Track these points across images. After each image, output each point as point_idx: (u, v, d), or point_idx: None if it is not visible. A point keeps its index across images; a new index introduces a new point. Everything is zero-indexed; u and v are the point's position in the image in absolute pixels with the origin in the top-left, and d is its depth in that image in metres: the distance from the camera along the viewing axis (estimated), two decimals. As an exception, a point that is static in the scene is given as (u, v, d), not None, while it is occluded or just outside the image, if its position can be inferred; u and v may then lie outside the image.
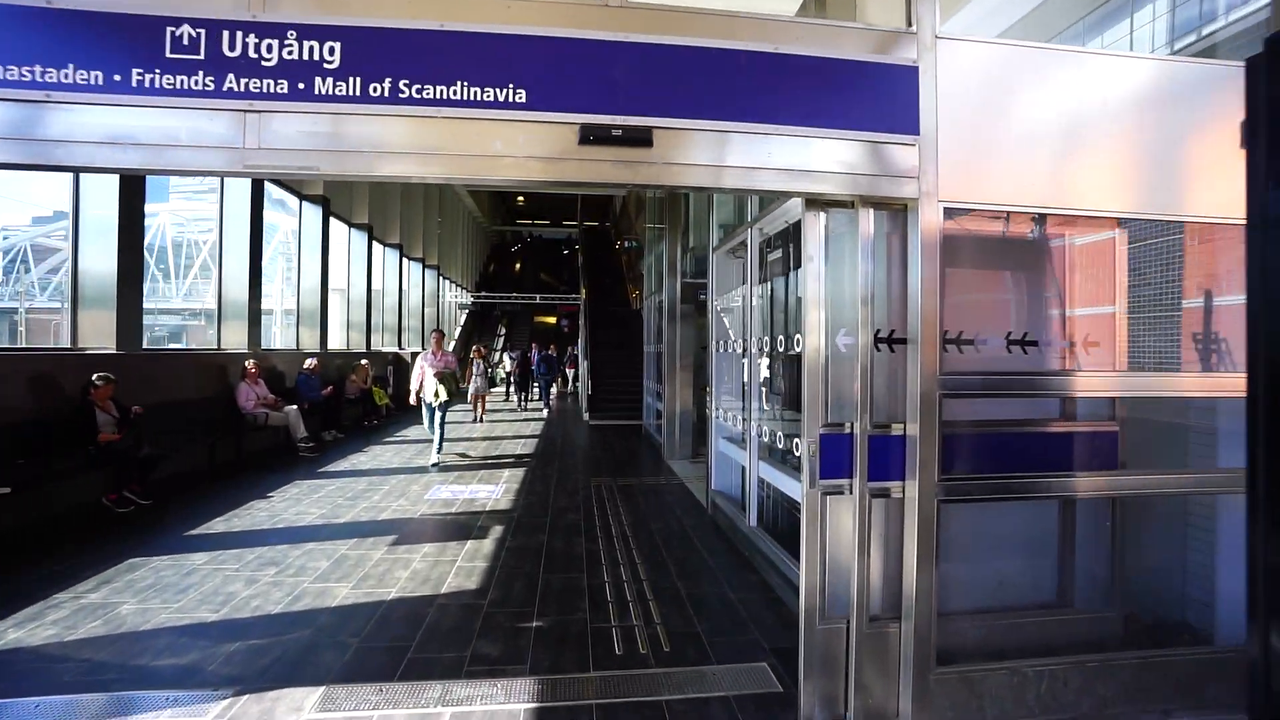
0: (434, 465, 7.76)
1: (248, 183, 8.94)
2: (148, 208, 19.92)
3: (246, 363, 8.29)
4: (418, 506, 5.91)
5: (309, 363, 9.98)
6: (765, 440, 4.66)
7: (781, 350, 4.48)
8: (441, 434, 8.02)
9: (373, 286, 15.53)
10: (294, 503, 5.93)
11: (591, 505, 6.08)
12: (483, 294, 28.37)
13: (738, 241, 5.37)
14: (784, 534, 4.56)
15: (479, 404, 12.66)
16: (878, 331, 2.53)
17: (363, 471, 7.55)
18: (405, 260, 19.02)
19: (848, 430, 2.53)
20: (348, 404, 11.49)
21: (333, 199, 12.42)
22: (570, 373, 17.87)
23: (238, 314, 8.92)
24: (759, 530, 4.46)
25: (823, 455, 2.51)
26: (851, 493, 2.51)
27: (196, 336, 31.28)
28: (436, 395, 7.82)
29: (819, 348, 2.56)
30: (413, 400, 8.24)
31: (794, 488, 3.93)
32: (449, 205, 25.18)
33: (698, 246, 9.25)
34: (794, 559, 3.83)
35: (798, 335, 3.29)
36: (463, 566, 4.27)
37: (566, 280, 34.76)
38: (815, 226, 2.59)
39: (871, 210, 2.51)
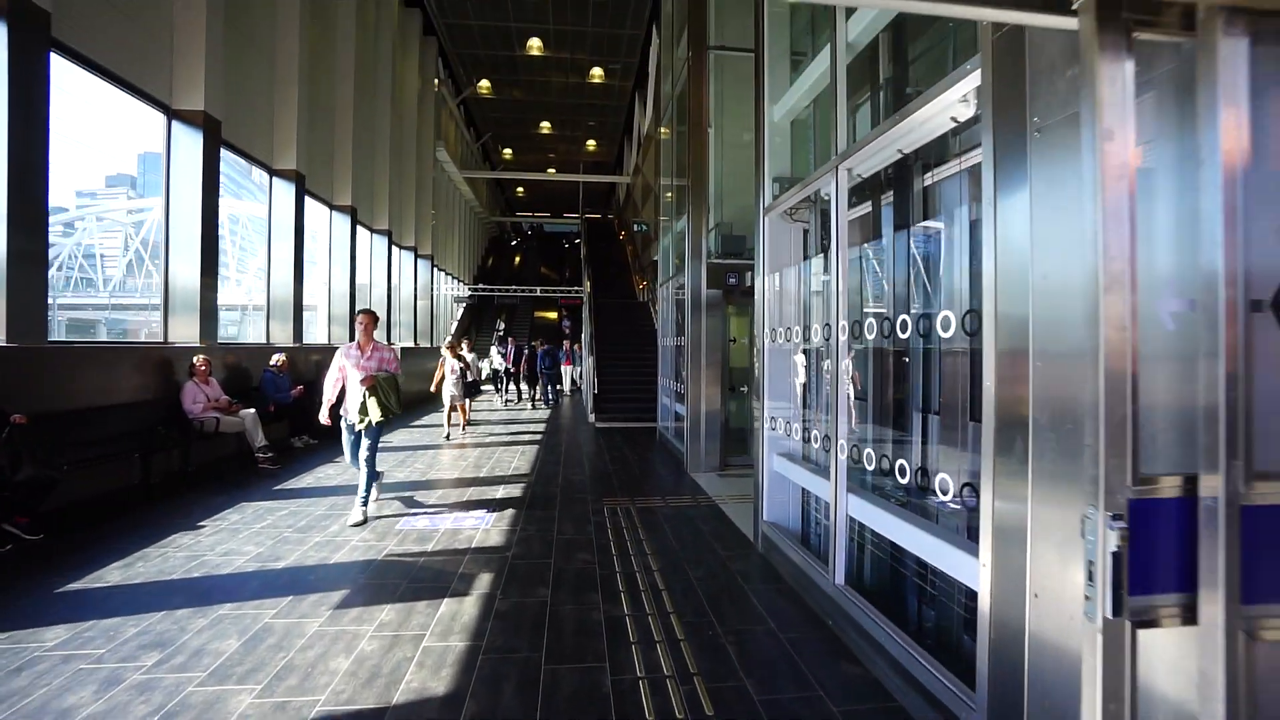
0: (357, 523, 4.97)
1: (198, 156, 7.63)
2: (142, 201, 18.05)
3: (195, 359, 7.00)
4: (384, 541, 4.61)
5: (276, 359, 8.68)
6: (868, 467, 3.36)
7: (892, 337, 3.19)
8: (371, 474, 5.18)
9: (358, 275, 14.23)
10: (228, 536, 4.64)
11: (607, 538, 4.79)
12: (480, 286, 27.03)
13: (802, 196, 4.06)
14: (893, 600, 3.27)
15: (458, 414, 9.95)
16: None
17: (327, 489, 6.25)
18: (397, 249, 17.73)
19: (1185, 493, 1.23)
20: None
21: (310, 176, 11.11)
22: (571, 370, 16.51)
23: (188, 304, 7.61)
24: (852, 594, 3.17)
25: (1134, 544, 1.20)
26: (1197, 621, 1.21)
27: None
28: (363, 413, 5.06)
29: (1124, 319, 1.24)
30: (323, 418, 5.44)
31: (928, 546, 2.63)
32: (444, 191, 23.86)
33: (725, 222, 7.96)
34: (925, 651, 2.53)
35: (956, 314, 2.00)
36: (431, 649, 2.97)
37: (568, 274, 33.51)
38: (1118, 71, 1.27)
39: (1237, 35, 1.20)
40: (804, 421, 4.38)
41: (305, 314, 14.19)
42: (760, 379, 4.62)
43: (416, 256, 18.91)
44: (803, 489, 4.32)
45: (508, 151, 33.80)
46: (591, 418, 12.08)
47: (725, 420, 7.54)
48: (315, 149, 11.60)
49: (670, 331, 9.44)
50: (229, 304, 17.56)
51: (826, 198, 3.78)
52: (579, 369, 16.91)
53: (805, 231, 4.52)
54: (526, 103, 26.57)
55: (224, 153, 8.52)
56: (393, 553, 4.38)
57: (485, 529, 4.99)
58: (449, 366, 9.61)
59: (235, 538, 4.61)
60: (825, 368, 4.18)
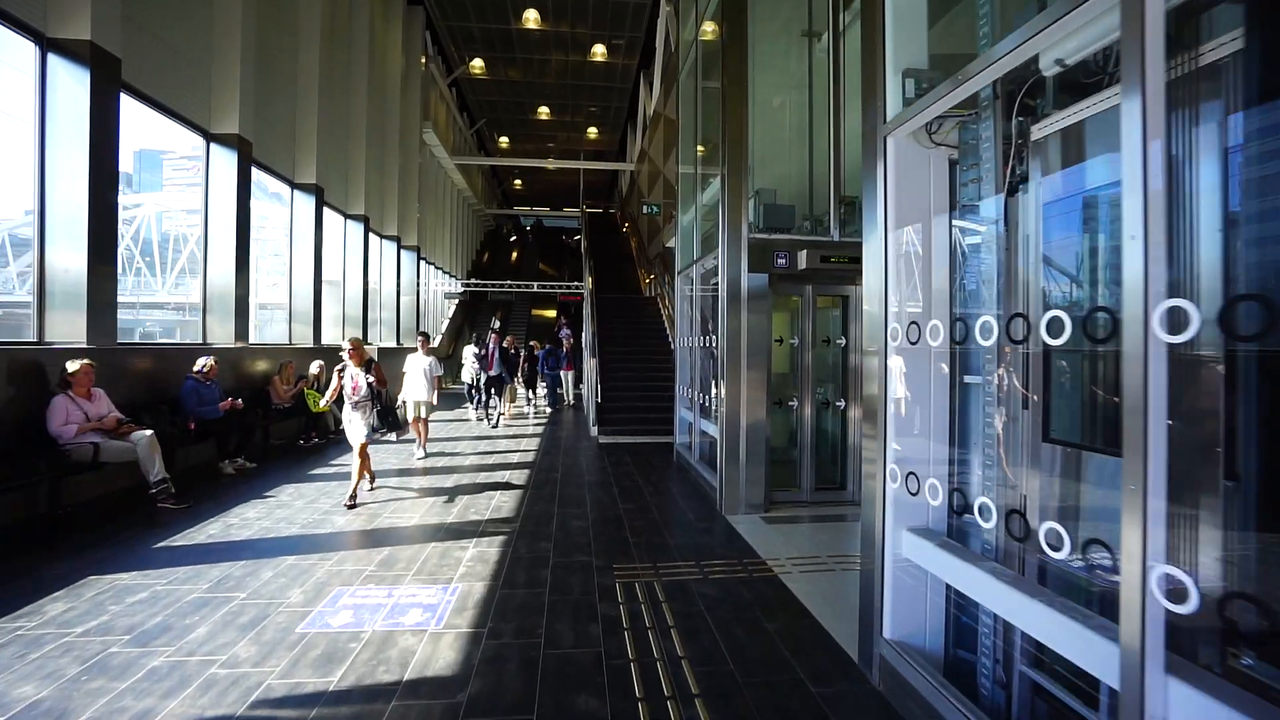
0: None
1: (82, 116, 5.88)
2: (129, 198, 16.26)
3: (68, 365, 5.24)
4: (272, 659, 2.86)
5: (202, 363, 6.93)
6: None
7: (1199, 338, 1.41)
8: None
9: (327, 267, 12.48)
10: (15, 661, 2.88)
11: (623, 651, 3.04)
12: (473, 282, 25.24)
13: (975, 88, 2.31)
14: None
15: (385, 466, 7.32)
16: None
17: (227, 548, 4.48)
18: (376, 238, 15.97)
19: None
20: (280, 416, 8.46)
21: (260, 145, 9.35)
22: (569, 376, 14.63)
23: (71, 297, 5.85)
24: None
25: None
26: None
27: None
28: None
29: None
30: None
31: None
32: (433, 179, 22.10)
33: (766, 189, 6.20)
34: None
35: None
36: None
37: (568, 272, 31.81)
38: None
39: None
40: (957, 476, 2.63)
41: (266, 311, 12.47)
42: (878, 402, 2.86)
43: (400, 248, 17.15)
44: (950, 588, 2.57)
45: (504, 140, 32.03)
46: (594, 431, 10.31)
47: (768, 443, 5.78)
48: (267, 113, 9.84)
49: (692, 329, 7.67)
50: (176, 303, 15.90)
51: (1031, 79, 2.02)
52: (578, 373, 15.15)
53: (952, 162, 2.76)
54: (523, 85, 24.79)
55: (130, 103, 6.79)
56: (276, 688, 2.62)
57: (436, 632, 3.22)
58: (348, 381, 5.68)
59: (26, 662, 2.85)
60: (999, 385, 2.45)
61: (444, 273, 24.15)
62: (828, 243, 5.81)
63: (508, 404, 12.64)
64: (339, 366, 5.78)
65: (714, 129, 7.31)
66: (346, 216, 13.71)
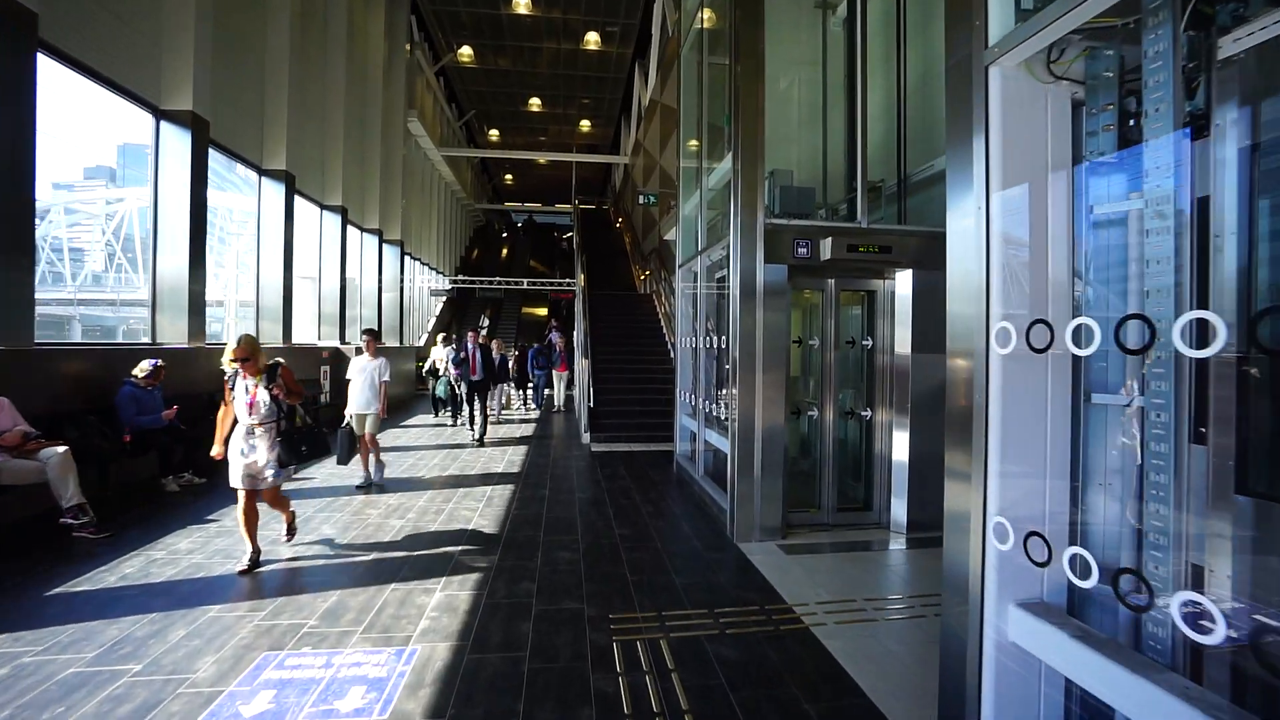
0: None
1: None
2: (110, 193, 15.17)
3: (-35, 368, 4.43)
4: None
5: (144, 366, 6.12)
6: None
7: None
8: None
9: (306, 260, 11.67)
10: None
11: (626, 758, 2.29)
12: (460, 279, 24.38)
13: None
14: None
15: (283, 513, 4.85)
16: None
17: (139, 595, 3.69)
18: (359, 232, 15.15)
19: None
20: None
21: (220, 125, 8.51)
22: (563, 378, 13.69)
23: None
24: None
25: None
26: None
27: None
28: None
29: None
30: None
31: None
32: (420, 172, 21.24)
33: (783, 170, 5.48)
34: None
35: None
36: None
37: (559, 269, 31.09)
38: None
39: None
40: (1093, 534, 1.90)
41: (242, 307, 11.63)
42: (971, 426, 2.11)
43: (382, 242, 16.30)
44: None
45: (494, 133, 31.15)
46: (585, 438, 9.54)
47: (785, 459, 5.04)
48: (231, 91, 9.01)
49: (695, 329, 6.91)
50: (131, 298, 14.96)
51: None
52: (571, 374, 14.37)
53: (1076, 103, 2.02)
54: (514, 74, 23.96)
55: (54, 68, 5.96)
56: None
57: (380, 704, 2.46)
58: (240, 397, 4.03)
59: None
60: (1152, 407, 1.73)
61: (431, 269, 23.29)
62: (855, 229, 5.07)
63: (498, 406, 11.80)
64: (226, 378, 4.07)
65: (720, 108, 6.58)
66: (323, 207, 12.86)
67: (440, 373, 11.60)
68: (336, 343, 12.79)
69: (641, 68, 21.37)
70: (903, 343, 5.18)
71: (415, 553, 4.48)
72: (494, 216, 39.74)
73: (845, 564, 4.42)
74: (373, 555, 4.42)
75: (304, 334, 12.34)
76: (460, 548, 4.63)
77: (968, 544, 2.08)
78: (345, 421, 6.37)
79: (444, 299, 24.01)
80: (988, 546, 2.01)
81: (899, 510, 5.22)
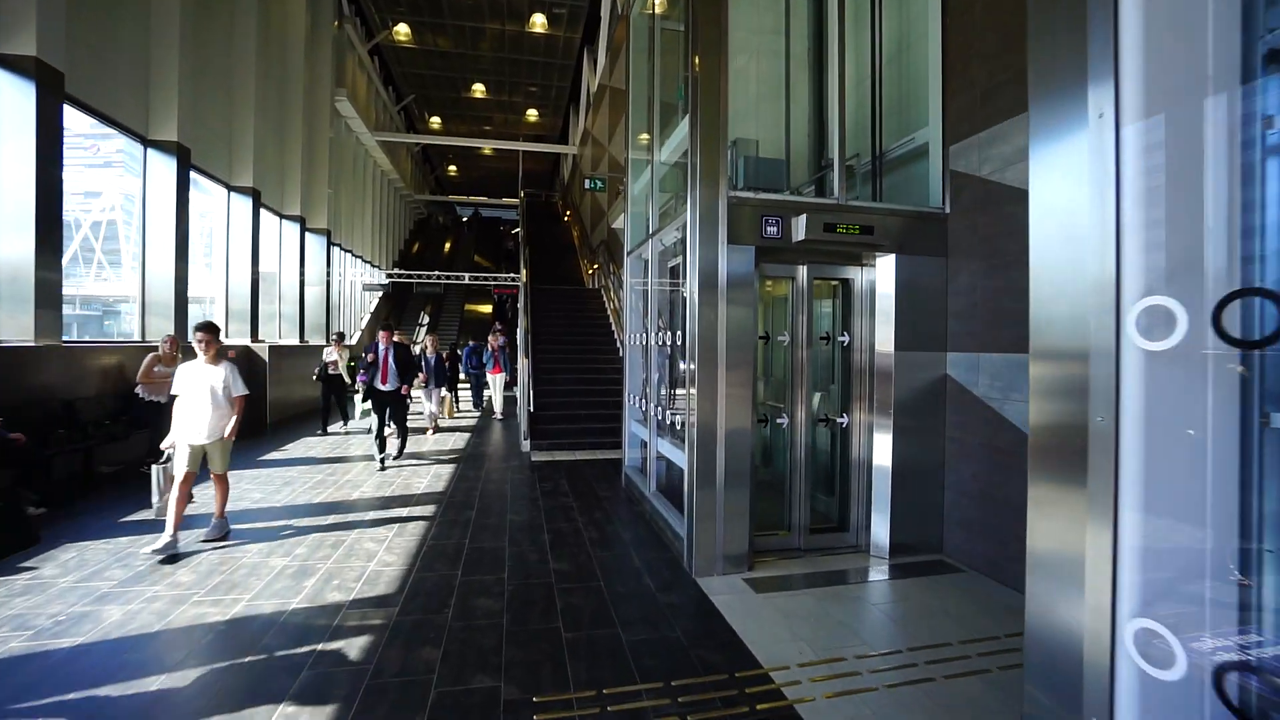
0: None
1: None
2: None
3: None
4: None
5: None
6: None
7: None
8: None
9: (202, 248, 10.25)
10: None
11: None
12: (397, 273, 22.86)
13: None
14: None
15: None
16: None
17: None
18: (277, 219, 13.70)
19: None
20: (109, 439, 6.40)
21: (79, 77, 7.16)
22: (500, 379, 12.23)
23: None
24: None
25: None
26: None
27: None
28: None
29: None
30: None
31: None
32: (351, 156, 19.69)
33: (746, 139, 4.74)
34: None
35: None
36: None
37: (506, 264, 29.86)
38: None
39: None
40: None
41: (120, 303, 10.11)
42: (1097, 468, 1.34)
43: (305, 230, 14.83)
44: None
45: (435, 120, 29.59)
46: (525, 446, 8.60)
47: (752, 474, 4.28)
48: (99, 41, 7.63)
49: (646, 325, 6.09)
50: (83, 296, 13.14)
51: None
52: (511, 376, 13.30)
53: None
54: (455, 57, 22.60)
55: None
56: None
57: None
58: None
59: None
60: None
61: (365, 262, 21.71)
62: (832, 206, 4.36)
63: (429, 416, 10.28)
64: None
65: (673, 82, 5.79)
66: (230, 188, 11.42)
67: (320, 376, 9.76)
68: (247, 340, 11.39)
69: (590, 54, 20.44)
70: (885, 340, 4.51)
71: (290, 605, 3.49)
72: (437, 209, 37.98)
73: (826, 604, 3.69)
74: (232, 612, 3.40)
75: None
76: (351, 598, 3.66)
77: (1078, 657, 1.32)
78: (164, 456, 4.82)
79: (379, 294, 22.44)
80: (1120, 666, 1.25)
81: (880, 530, 4.55)
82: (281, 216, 14.04)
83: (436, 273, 21.63)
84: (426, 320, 24.90)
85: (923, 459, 4.52)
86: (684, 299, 4.37)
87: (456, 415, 12.21)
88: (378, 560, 4.29)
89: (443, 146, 32.08)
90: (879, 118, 5.31)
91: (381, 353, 7.43)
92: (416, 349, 11.98)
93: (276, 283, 13.93)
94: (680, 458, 4.56)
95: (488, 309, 27.04)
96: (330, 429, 9.93)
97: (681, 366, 4.58)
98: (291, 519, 5.21)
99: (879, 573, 4.24)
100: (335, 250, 18.41)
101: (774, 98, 5.82)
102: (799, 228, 4.17)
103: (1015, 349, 3.93)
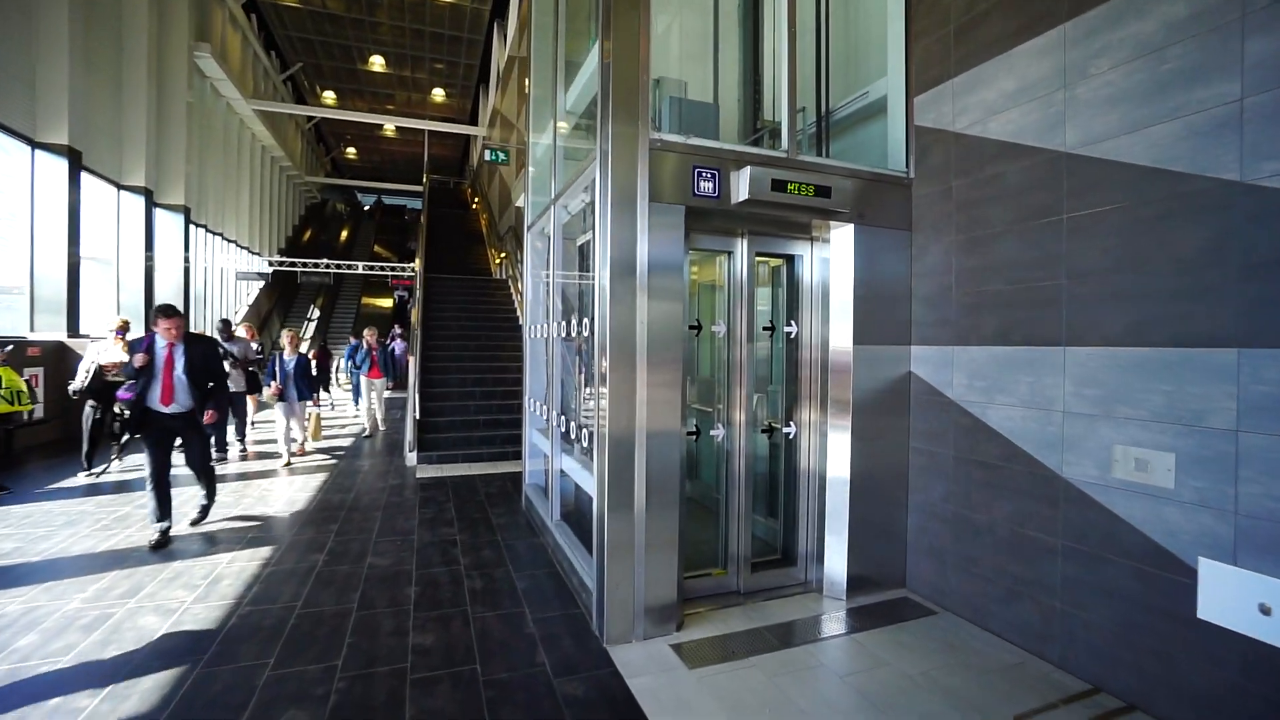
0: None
1: None
2: None
3: None
4: None
5: None
6: None
7: None
8: None
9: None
10: None
11: None
12: (280, 260, 20.35)
13: None
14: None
15: None
16: None
17: None
18: (115, 190, 11.41)
19: None
20: None
21: None
22: (377, 386, 9.57)
23: None
24: None
25: None
26: None
27: None
28: None
29: None
30: None
31: None
32: (221, 126, 17.17)
33: (672, 79, 3.76)
34: None
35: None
36: None
37: (412, 254, 27.65)
38: None
39: None
40: None
41: None
42: None
43: (151, 204, 12.52)
44: None
45: (329, 95, 26.90)
46: (410, 459, 7.25)
47: (682, 499, 3.31)
48: None
49: (550, 314, 4.95)
50: None
51: None
52: (396, 379, 11.69)
53: None
54: (349, 23, 20.38)
55: None
56: None
57: None
58: None
59: None
60: None
61: (242, 248, 19.10)
62: (782, 160, 3.46)
63: (300, 434, 7.56)
64: None
65: (583, 29, 4.72)
66: (34, 145, 9.19)
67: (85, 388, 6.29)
68: (62, 334, 9.23)
69: (501, 28, 18.95)
70: (841, 332, 3.67)
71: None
72: (334, 194, 34.85)
73: (781, 683, 2.76)
74: None
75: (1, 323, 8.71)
76: (94, 703, 2.35)
77: None
78: None
79: (259, 284, 19.86)
80: None
81: (835, 561, 3.71)
82: (120, 187, 11.73)
83: (325, 261, 19.33)
84: (317, 315, 22.45)
85: (884, 474, 3.73)
86: (593, 276, 3.32)
87: (325, 437, 9.11)
88: (158, 640, 2.95)
89: (340, 126, 29.34)
90: (824, 72, 4.49)
91: (161, 354, 4.34)
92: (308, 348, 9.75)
93: (115, 265, 11.62)
94: (589, 481, 3.51)
95: (389, 303, 24.84)
96: (96, 469, 6.35)
97: (590, 363, 3.52)
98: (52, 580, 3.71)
99: (837, 621, 3.38)
100: (201, 233, 15.95)
101: (701, 58, 4.89)
102: (740, 184, 3.23)
103: (1001, 340, 3.18)
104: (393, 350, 11.22)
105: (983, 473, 3.28)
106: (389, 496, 5.81)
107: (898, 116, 3.85)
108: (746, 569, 3.75)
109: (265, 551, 4.28)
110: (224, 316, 13.61)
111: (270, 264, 20.16)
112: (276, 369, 7.06)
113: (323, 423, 9.03)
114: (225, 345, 7.22)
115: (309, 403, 7.66)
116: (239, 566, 3.99)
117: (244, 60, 18.83)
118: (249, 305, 19.55)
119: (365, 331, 9.53)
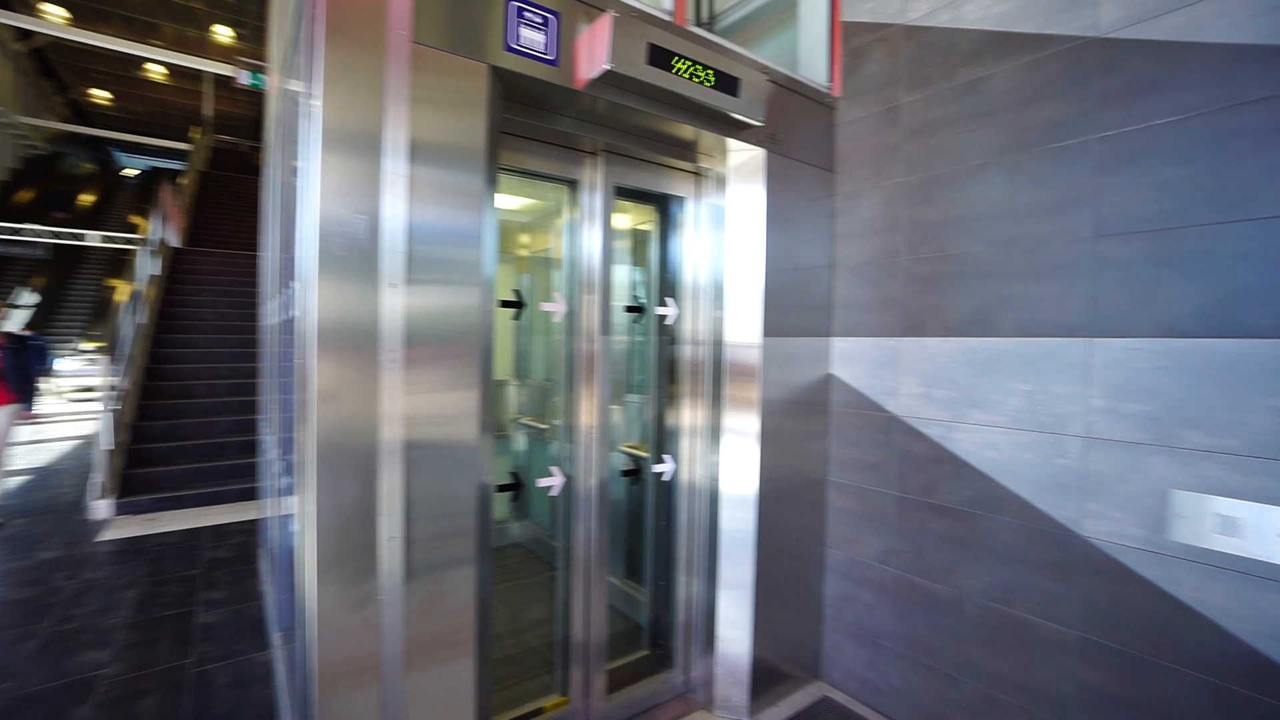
0: None
1: None
2: None
3: None
4: None
5: None
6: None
7: None
8: None
9: None
10: None
11: None
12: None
13: None
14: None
15: None
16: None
17: None
18: None
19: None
20: None
21: None
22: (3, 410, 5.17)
23: None
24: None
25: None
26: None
27: None
28: None
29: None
30: None
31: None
32: None
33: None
34: None
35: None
36: None
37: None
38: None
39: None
40: None
41: None
42: None
43: None
44: None
45: (61, 11, 20.84)
46: (100, 510, 4.84)
47: (482, 567, 1.83)
48: None
49: (272, 280, 3.10)
50: None
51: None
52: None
53: None
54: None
55: None
56: None
57: None
58: None
59: None
60: None
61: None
62: (667, 23, 2.12)
63: None
64: None
65: None
66: None
67: None
68: None
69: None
70: (743, 317, 2.43)
71: None
72: (76, 151, 27.61)
73: None
74: None
75: None
76: None
77: None
78: None
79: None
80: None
81: (732, 648, 2.47)
82: None
83: (34, 226, 14.58)
84: (36, 299, 17.10)
85: (797, 523, 2.58)
86: (297, 197, 1.70)
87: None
88: None
89: (81, 58, 23.05)
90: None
91: None
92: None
93: None
94: (304, 568, 1.87)
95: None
96: None
97: (297, 354, 1.89)
98: None
99: (746, 772, 2.13)
100: None
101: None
102: (599, 48, 1.83)
103: (980, 330, 2.14)
104: (37, 349, 5.76)
105: (944, 523, 2.23)
106: (45, 580, 3.56)
107: (818, 10, 2.71)
108: (601, 683, 2.37)
109: None
110: None
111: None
112: None
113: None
114: None
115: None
116: None
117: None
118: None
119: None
